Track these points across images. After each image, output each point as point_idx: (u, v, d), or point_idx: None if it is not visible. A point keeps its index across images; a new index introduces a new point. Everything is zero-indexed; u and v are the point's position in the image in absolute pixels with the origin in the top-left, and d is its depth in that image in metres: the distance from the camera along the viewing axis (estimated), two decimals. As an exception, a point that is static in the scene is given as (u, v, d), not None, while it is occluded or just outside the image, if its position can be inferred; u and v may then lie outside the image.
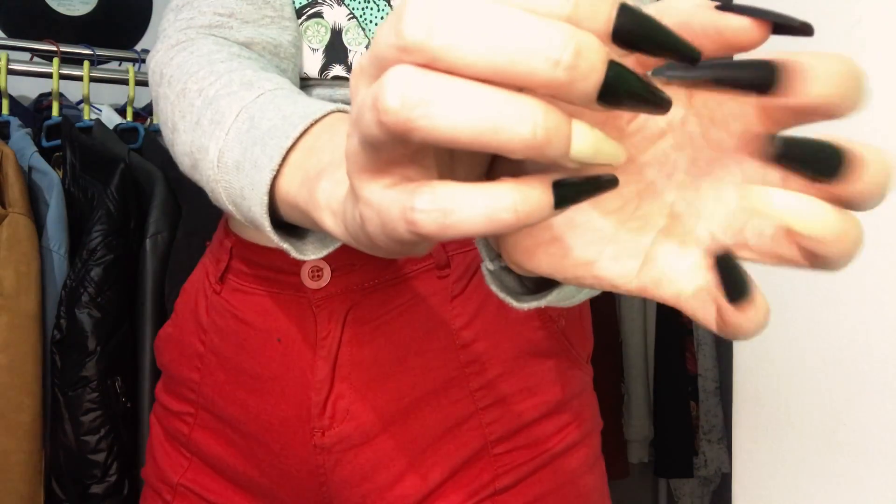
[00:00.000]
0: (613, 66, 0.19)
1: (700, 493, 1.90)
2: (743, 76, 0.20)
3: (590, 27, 0.19)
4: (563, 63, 0.18)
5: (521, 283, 0.32)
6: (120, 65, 1.34)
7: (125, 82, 1.26)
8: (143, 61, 1.31)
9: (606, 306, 1.77)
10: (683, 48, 0.20)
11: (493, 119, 0.18)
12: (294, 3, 0.53)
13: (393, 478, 0.51)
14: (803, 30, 0.21)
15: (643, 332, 1.80)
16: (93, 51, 1.26)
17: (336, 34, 0.52)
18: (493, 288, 0.31)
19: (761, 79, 0.20)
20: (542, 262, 0.25)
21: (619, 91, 0.19)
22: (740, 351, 0.83)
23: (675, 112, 0.24)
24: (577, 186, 0.21)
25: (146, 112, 1.34)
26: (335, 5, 0.52)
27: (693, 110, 0.24)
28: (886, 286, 0.69)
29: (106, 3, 1.58)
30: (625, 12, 0.19)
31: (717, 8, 0.21)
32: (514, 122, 0.18)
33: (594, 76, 0.18)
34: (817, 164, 0.21)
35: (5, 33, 1.49)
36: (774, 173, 0.23)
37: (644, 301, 1.81)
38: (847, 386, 0.71)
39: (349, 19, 0.52)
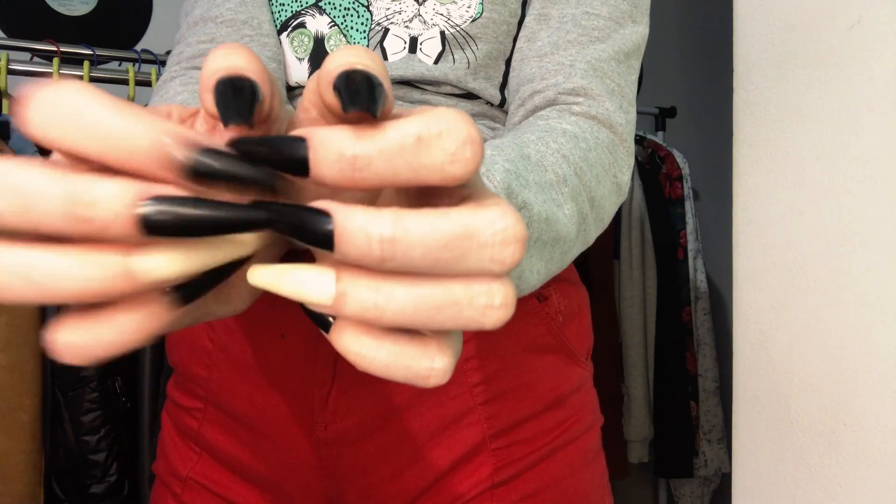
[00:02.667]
0: (156, 202, 0.19)
1: (700, 493, 1.90)
2: (275, 157, 0.20)
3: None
4: (79, 216, 0.19)
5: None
6: (120, 65, 1.34)
7: (125, 82, 1.26)
8: (143, 61, 1.31)
9: (606, 306, 1.77)
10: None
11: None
12: (274, 18, 0.54)
13: (393, 472, 0.52)
14: (370, 111, 0.20)
15: (643, 332, 1.80)
16: (93, 51, 1.26)
17: (319, 42, 0.53)
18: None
19: (291, 162, 0.20)
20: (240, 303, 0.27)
21: (172, 225, 0.19)
22: (740, 351, 0.83)
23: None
24: (194, 287, 0.23)
25: (146, 112, 1.34)
26: (317, 15, 0.53)
27: None
28: (886, 286, 0.69)
29: (106, 3, 1.58)
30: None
31: (333, 83, 0.21)
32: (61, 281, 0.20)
33: (119, 221, 0.19)
34: (306, 239, 0.20)
35: (5, 33, 1.49)
36: None
37: (644, 301, 1.81)
38: (847, 386, 0.71)
39: (331, 27, 0.53)
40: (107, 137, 0.19)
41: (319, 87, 0.22)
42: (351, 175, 0.20)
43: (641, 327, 1.80)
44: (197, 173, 0.20)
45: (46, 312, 1.08)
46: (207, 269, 0.21)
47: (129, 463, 1.10)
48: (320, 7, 0.53)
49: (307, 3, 0.54)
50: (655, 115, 1.94)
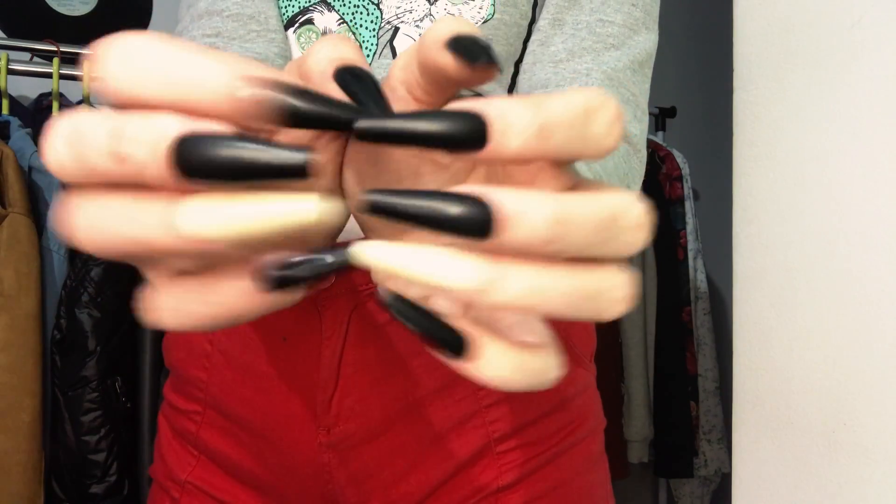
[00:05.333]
0: (190, 141, 0.18)
1: (700, 493, 1.90)
2: (445, 136, 0.19)
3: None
4: (119, 154, 0.18)
5: None
6: (120, 65, 1.34)
7: (125, 82, 1.26)
8: (143, 61, 1.31)
9: (606, 306, 1.77)
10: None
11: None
12: (281, 13, 0.54)
13: (397, 475, 0.51)
14: (492, 65, 0.21)
15: (643, 332, 1.80)
16: (93, 51, 1.26)
17: None
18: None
19: (467, 140, 0.19)
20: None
21: (205, 163, 0.18)
22: (740, 351, 0.83)
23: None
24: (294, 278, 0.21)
25: (146, 112, 1.34)
26: (325, 11, 0.53)
27: None
28: (886, 286, 0.69)
29: (106, 3, 1.58)
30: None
31: (447, 44, 0.21)
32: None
33: (155, 162, 0.18)
34: (461, 230, 0.19)
35: (5, 33, 1.49)
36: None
37: (644, 301, 1.81)
38: (847, 386, 0.71)
39: (339, 24, 0.52)
40: (186, 83, 0.18)
41: (427, 55, 0.21)
42: (534, 145, 0.19)
43: (641, 327, 1.80)
44: (290, 116, 0.18)
45: (46, 313, 1.08)
46: (263, 232, 0.18)
47: (129, 463, 1.10)
48: (329, 3, 0.53)
49: None
50: (655, 115, 1.94)
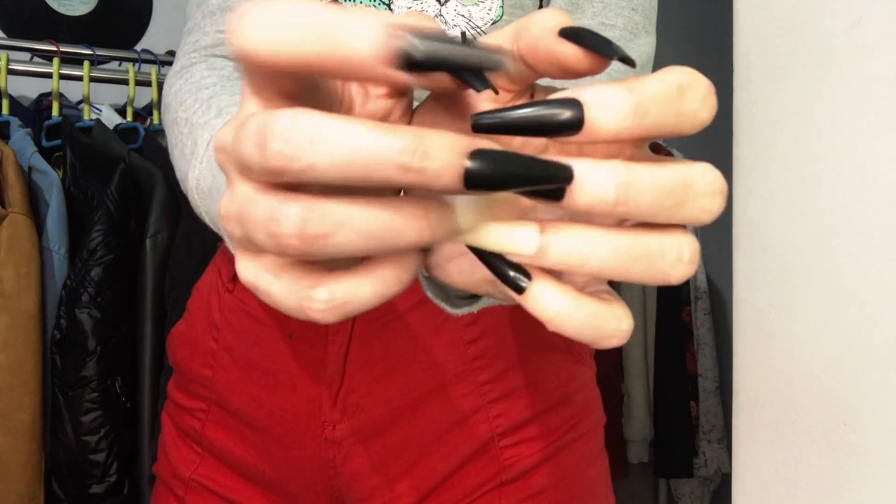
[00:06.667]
0: (478, 156, 0.19)
1: (700, 493, 1.90)
2: (549, 122, 0.21)
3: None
4: (412, 167, 0.19)
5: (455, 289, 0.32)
6: (120, 65, 1.34)
7: (125, 82, 1.26)
8: (143, 61, 1.31)
9: (606, 306, 1.77)
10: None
11: (383, 229, 0.20)
12: None
13: (401, 470, 0.52)
14: (626, 60, 0.22)
15: (643, 332, 1.80)
16: (93, 51, 1.26)
17: None
18: (429, 294, 0.31)
19: (566, 124, 0.21)
20: (454, 277, 0.25)
21: (490, 179, 0.20)
22: (740, 351, 0.83)
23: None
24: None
25: (146, 112, 1.34)
26: None
27: None
28: (886, 286, 0.69)
29: (106, 3, 1.58)
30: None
31: (561, 34, 0.22)
32: (403, 230, 0.20)
33: (449, 173, 0.19)
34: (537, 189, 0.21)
35: (5, 33, 1.49)
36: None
37: (644, 301, 1.81)
38: (847, 386, 0.71)
39: None
40: (331, 39, 0.19)
41: (540, 46, 0.22)
42: (631, 124, 0.20)
43: (641, 327, 1.80)
44: (424, 64, 0.20)
45: (46, 313, 1.08)
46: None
47: (129, 463, 1.10)
48: (339, 2, 0.53)
49: None
50: (655, 115, 1.94)
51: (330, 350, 0.51)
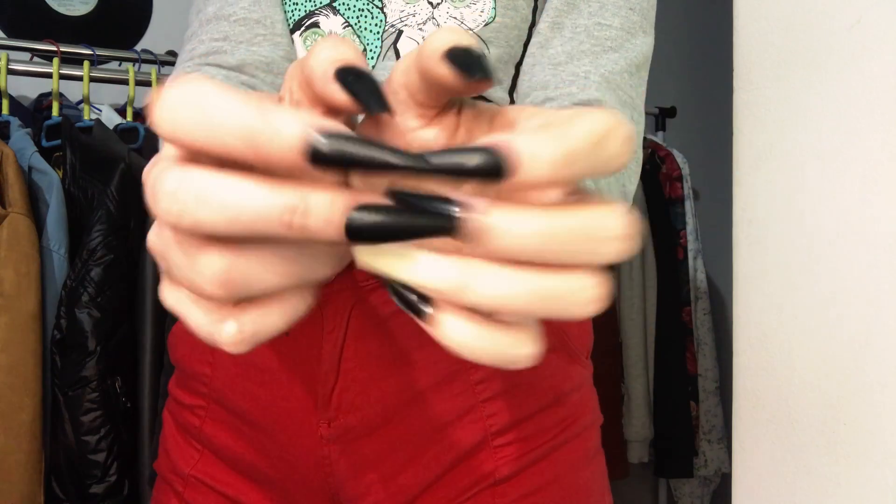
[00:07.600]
0: (362, 212, 0.20)
1: (700, 493, 1.90)
2: (470, 169, 0.21)
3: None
4: (294, 225, 0.20)
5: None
6: (120, 65, 1.34)
7: (125, 82, 1.26)
8: (143, 61, 1.31)
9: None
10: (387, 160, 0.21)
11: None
12: (287, 17, 0.55)
13: (396, 467, 0.52)
14: (491, 80, 0.22)
15: (643, 332, 1.80)
16: (93, 51, 1.26)
17: None
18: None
19: (488, 170, 0.21)
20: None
21: (373, 233, 0.20)
22: (740, 351, 0.83)
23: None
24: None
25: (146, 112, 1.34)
26: (331, 15, 0.54)
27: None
28: (886, 286, 0.69)
29: (106, 3, 1.58)
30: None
31: (448, 55, 0.22)
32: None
33: (331, 229, 0.20)
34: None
35: (5, 33, 1.49)
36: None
37: (644, 301, 1.81)
38: (847, 386, 0.71)
39: (344, 28, 0.53)
40: (249, 136, 0.20)
41: (425, 65, 0.23)
42: (560, 172, 0.20)
43: (641, 327, 1.80)
44: (333, 161, 0.20)
45: (46, 313, 1.08)
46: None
47: (129, 463, 1.10)
48: (334, 7, 0.54)
49: (321, 2, 0.54)
50: (655, 115, 1.94)
51: (325, 348, 0.51)
